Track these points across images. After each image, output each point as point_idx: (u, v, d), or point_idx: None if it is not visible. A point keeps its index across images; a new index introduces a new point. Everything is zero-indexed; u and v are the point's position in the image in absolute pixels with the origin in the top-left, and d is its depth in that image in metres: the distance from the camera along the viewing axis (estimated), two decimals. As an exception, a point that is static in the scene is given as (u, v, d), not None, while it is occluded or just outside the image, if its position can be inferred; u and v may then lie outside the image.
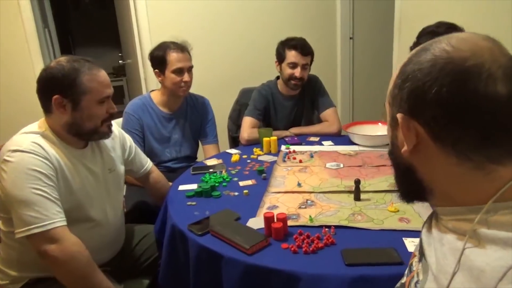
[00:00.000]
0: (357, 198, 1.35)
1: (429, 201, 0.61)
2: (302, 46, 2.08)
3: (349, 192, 1.39)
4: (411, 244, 1.06)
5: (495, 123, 0.49)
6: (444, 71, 0.50)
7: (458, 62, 0.50)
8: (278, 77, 2.25)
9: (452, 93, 0.50)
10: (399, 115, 0.55)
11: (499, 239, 0.48)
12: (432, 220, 0.63)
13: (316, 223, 1.21)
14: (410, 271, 0.68)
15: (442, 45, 0.53)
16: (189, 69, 1.97)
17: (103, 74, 1.28)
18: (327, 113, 2.21)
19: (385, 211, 1.26)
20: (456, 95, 0.49)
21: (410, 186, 0.62)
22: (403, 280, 0.71)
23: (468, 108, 0.49)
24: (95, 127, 1.29)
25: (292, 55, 2.08)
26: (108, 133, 1.35)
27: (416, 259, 0.67)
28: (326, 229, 1.16)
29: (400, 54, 2.65)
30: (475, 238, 0.51)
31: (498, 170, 0.51)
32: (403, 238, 1.10)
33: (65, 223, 1.16)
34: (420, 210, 1.24)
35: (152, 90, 2.12)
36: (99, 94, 1.26)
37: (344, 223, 1.20)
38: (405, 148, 0.56)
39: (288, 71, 2.11)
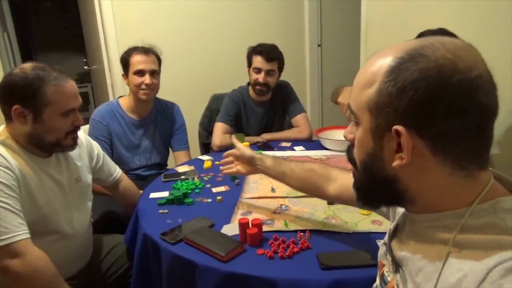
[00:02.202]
0: (330, 202, 1.37)
1: (406, 208, 0.60)
2: (267, 52, 2.09)
3: (323, 196, 1.40)
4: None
5: (490, 132, 0.50)
6: (452, 83, 0.47)
7: (464, 72, 0.47)
8: (249, 83, 2.25)
9: (464, 107, 0.47)
10: (400, 128, 0.49)
11: (479, 243, 0.48)
12: (404, 228, 0.62)
13: (291, 228, 1.20)
14: (384, 282, 0.67)
15: (440, 51, 0.49)
16: (152, 72, 1.92)
17: (70, 85, 1.20)
18: (298, 119, 2.23)
19: (357, 214, 1.28)
20: (468, 109, 0.47)
21: (386, 196, 0.58)
22: None
23: (477, 121, 0.48)
24: (58, 140, 1.21)
25: (257, 60, 2.10)
26: (72, 145, 1.28)
27: (386, 269, 0.66)
28: (301, 233, 1.16)
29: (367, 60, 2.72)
30: (456, 244, 0.51)
31: (481, 175, 0.52)
32: (376, 240, 1.11)
33: (28, 235, 1.10)
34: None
35: (120, 96, 2.06)
36: (63, 107, 1.18)
37: (318, 227, 1.21)
38: (399, 162, 0.51)
39: (253, 76, 2.13)
